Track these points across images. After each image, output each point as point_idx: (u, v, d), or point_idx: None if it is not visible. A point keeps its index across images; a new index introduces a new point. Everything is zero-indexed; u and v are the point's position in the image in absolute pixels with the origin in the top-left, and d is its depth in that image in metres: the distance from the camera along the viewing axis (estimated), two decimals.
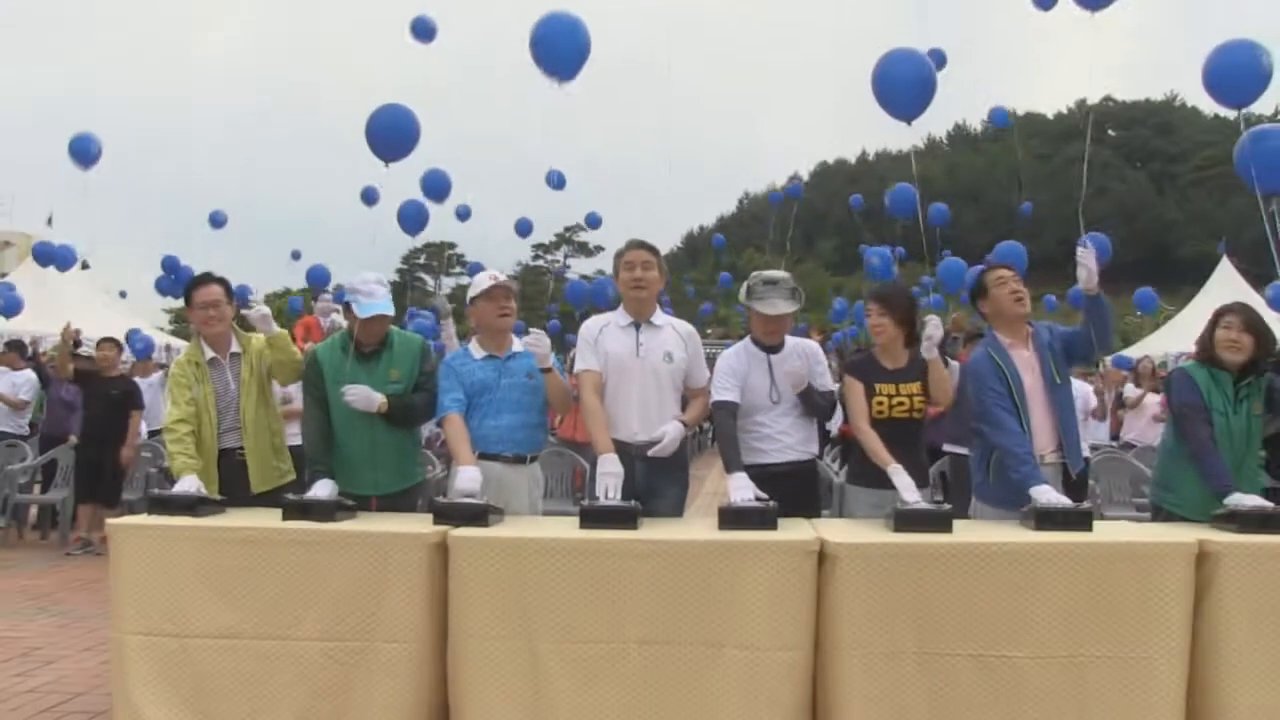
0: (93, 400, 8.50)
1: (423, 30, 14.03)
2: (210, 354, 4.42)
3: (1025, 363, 4.13)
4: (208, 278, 4.50)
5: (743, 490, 3.72)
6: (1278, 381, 4.15)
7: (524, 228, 24.90)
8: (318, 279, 16.82)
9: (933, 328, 4.13)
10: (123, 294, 25.28)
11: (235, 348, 4.47)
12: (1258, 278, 20.60)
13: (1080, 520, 3.45)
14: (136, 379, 11.17)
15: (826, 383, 4.34)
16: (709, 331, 35.80)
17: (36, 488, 9.24)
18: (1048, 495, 3.64)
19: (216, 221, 19.38)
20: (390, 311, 4.24)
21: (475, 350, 4.25)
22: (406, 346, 4.35)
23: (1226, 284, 19.80)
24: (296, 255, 23.68)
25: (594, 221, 27.19)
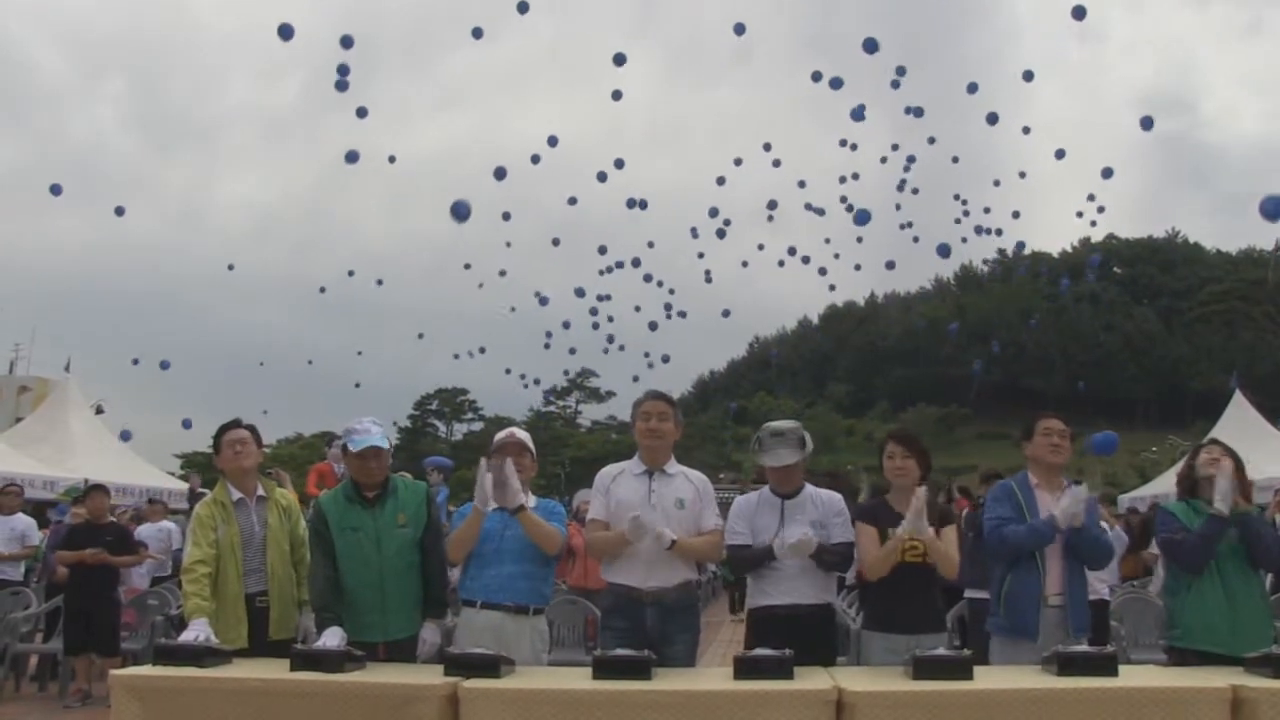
0: (84, 549, 8.04)
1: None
2: (237, 495, 4.47)
3: (1046, 506, 4.14)
4: (237, 423, 4.63)
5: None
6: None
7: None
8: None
9: (917, 500, 3.97)
10: (99, 410, 25.51)
11: (261, 492, 4.54)
12: (1272, 410, 20.52)
13: (1104, 665, 3.36)
14: (146, 524, 11.22)
15: (846, 534, 4.26)
16: (721, 477, 35.74)
17: (39, 636, 8.98)
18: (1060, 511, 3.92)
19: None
20: (383, 445, 4.27)
21: None
22: (411, 491, 4.39)
23: (1240, 417, 19.52)
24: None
25: None
